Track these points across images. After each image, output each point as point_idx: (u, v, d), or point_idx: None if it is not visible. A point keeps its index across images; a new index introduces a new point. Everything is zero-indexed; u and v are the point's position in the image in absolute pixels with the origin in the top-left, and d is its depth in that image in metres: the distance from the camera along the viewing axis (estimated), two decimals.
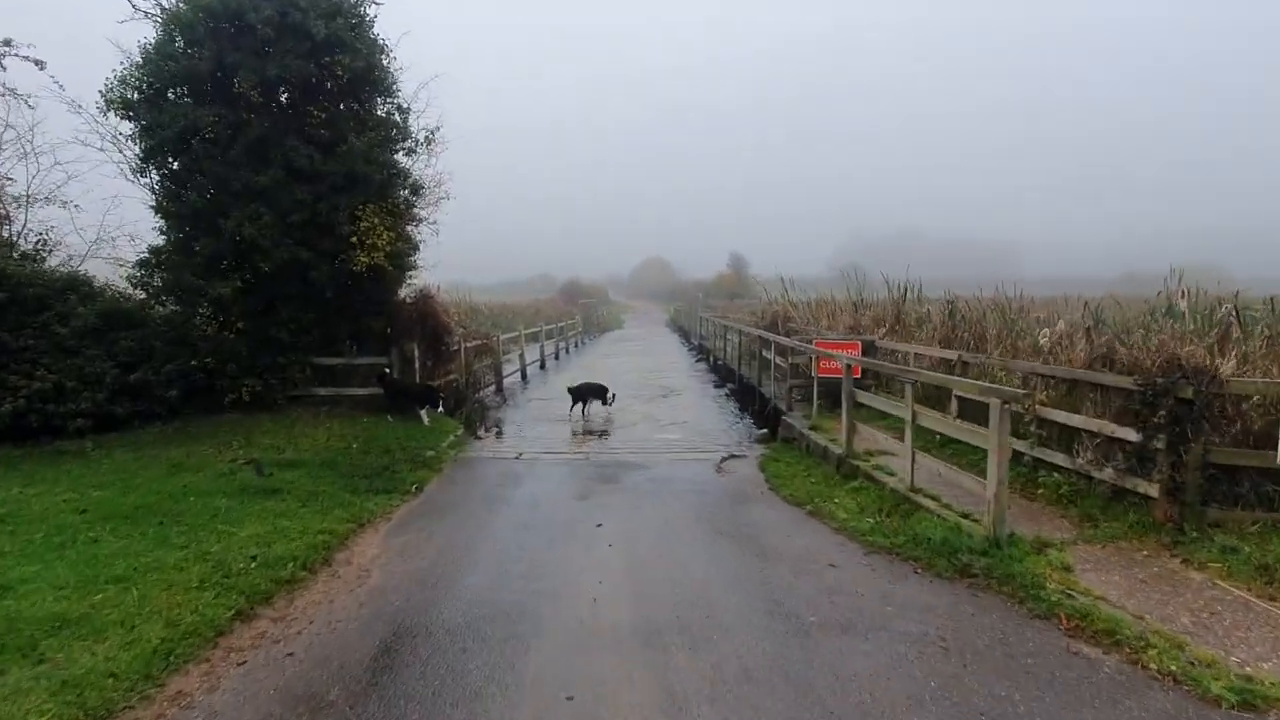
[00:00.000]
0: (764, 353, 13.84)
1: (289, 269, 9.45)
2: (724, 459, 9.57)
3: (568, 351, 28.14)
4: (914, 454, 6.46)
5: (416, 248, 11.30)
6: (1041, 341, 10.82)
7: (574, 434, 11.56)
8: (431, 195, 11.84)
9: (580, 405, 13.15)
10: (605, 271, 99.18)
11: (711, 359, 23.69)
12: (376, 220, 9.71)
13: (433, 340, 11.56)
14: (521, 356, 20.22)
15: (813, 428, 9.22)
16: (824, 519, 6.57)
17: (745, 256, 67.52)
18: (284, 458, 8.31)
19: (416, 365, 11.20)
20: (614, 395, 13.65)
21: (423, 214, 12.00)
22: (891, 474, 7.15)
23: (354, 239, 9.61)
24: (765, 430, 11.17)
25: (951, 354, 8.94)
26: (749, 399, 14.78)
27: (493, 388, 16.69)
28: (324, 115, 9.39)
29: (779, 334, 14.74)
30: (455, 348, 13.29)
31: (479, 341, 14.71)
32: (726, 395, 16.19)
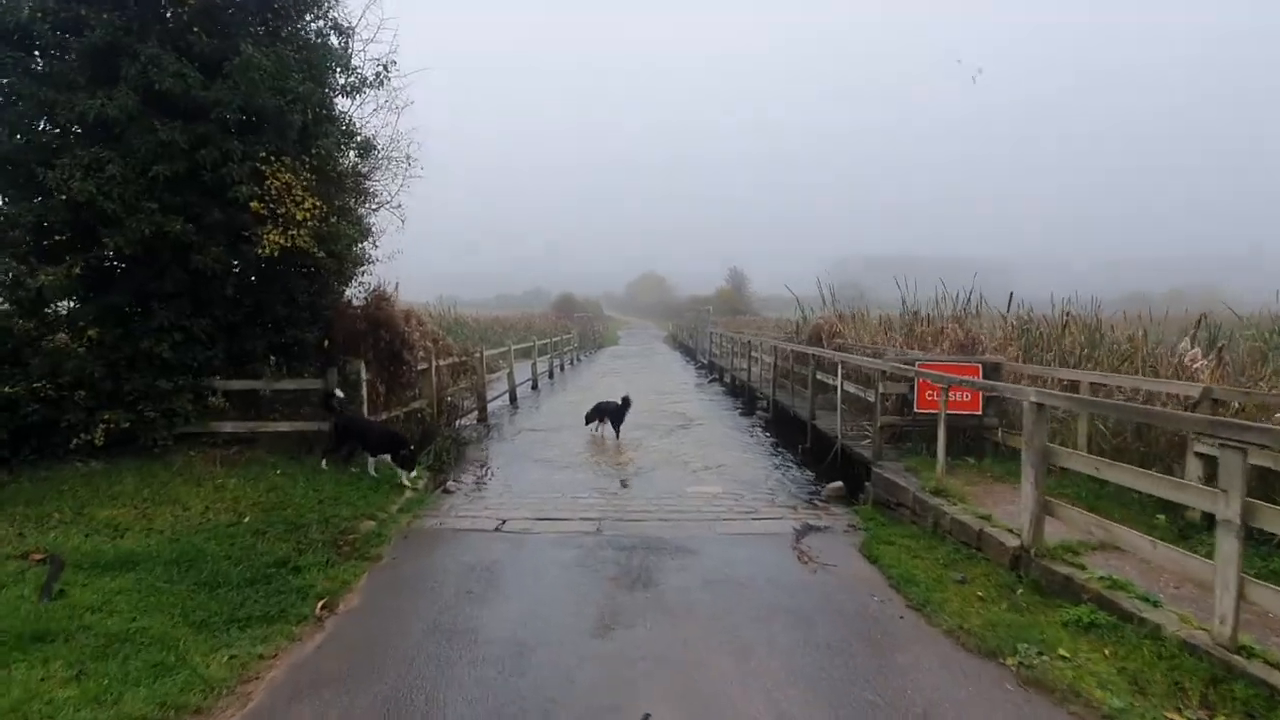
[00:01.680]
0: (819, 376, 10.74)
1: (160, 250, 6.27)
2: (800, 532, 6.45)
3: (563, 369, 24.98)
4: (1241, 582, 3.35)
5: (366, 233, 8.16)
6: (1195, 364, 7.86)
7: (580, 484, 8.38)
8: (393, 165, 8.75)
9: (602, 426, 11.53)
10: (599, 287, 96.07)
11: (728, 379, 20.62)
12: (293, 180, 6.54)
13: (389, 357, 8.39)
14: (511, 375, 17.05)
15: (936, 491, 6.10)
16: (1068, 701, 3.43)
17: (744, 272, 64.80)
18: (119, 547, 5.07)
19: (364, 391, 8.01)
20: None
21: (379, 188, 8.91)
22: (1149, 600, 4.02)
23: (258, 206, 6.43)
24: (839, 484, 8.05)
25: (1186, 387, 5.74)
26: (791, 431, 11.67)
27: (474, 415, 13.49)
28: (198, 7, 6.18)
29: (819, 350, 11.68)
30: (424, 366, 10.11)
31: (455, 359, 11.54)
32: (758, 425, 13.08)
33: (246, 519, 5.77)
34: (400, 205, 10.07)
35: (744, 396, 16.99)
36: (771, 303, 64.73)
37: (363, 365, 8.01)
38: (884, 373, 7.33)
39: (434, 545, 6.08)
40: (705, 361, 25.50)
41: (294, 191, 6.50)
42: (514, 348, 17.92)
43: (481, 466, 9.63)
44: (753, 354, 15.91)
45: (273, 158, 6.48)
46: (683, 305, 67.67)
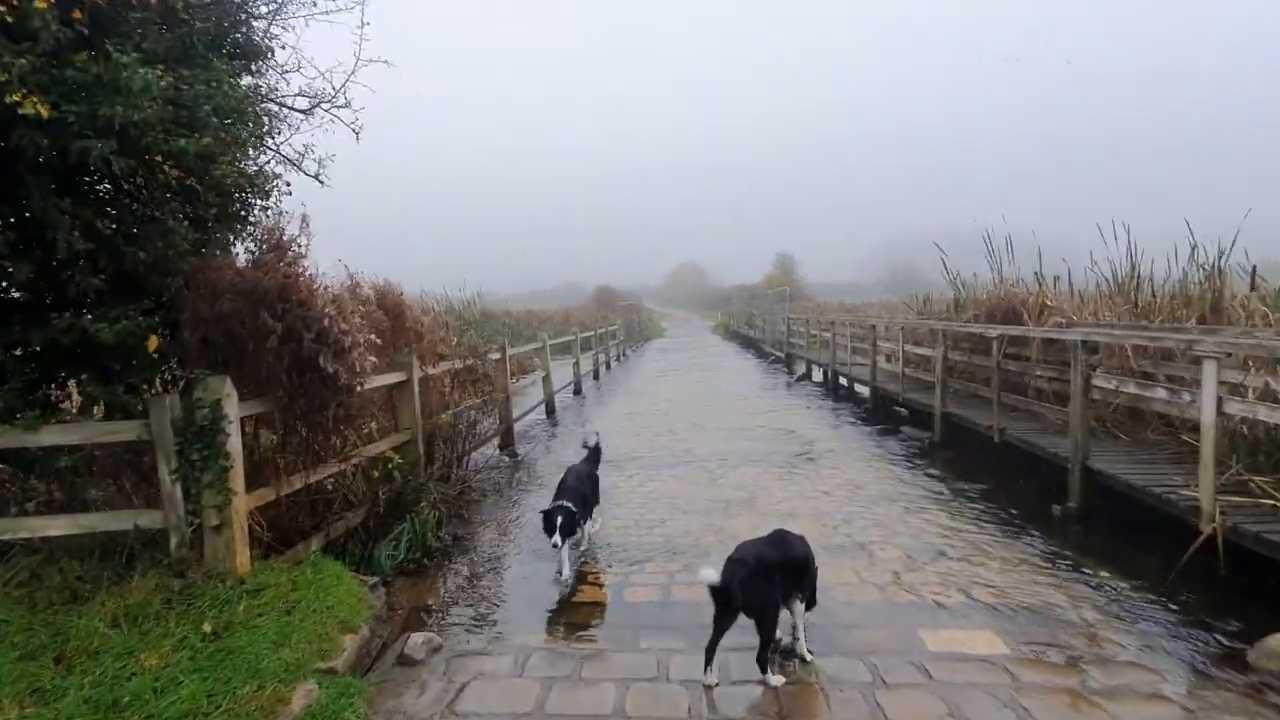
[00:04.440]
0: (1149, 391, 5.97)
1: None
2: None
3: (608, 367, 20.56)
4: None
5: (259, 129, 3.84)
6: None
7: (686, 621, 3.85)
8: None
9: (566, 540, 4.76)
10: (636, 279, 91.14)
11: (819, 377, 15.93)
12: None
13: (296, 368, 3.99)
14: (548, 379, 12.68)
15: None
16: None
17: (793, 256, 59.30)
18: None
19: (233, 440, 3.63)
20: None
21: (301, 62, 4.61)
22: None
23: None
24: None
25: None
26: (994, 468, 7.01)
27: (497, 440, 9.14)
28: None
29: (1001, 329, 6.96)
30: (401, 378, 5.78)
31: (460, 363, 7.11)
32: (918, 453, 8.36)
33: None
34: (349, 103, 5.82)
35: (861, 403, 12.28)
36: (823, 289, 59.34)
37: (226, 387, 3.62)
38: None
39: None
40: (782, 355, 20.74)
41: None
42: (551, 343, 13.54)
43: (492, 563, 5.20)
44: (879, 343, 11.16)
45: None
46: (728, 294, 62.89)
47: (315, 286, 4.01)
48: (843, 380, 13.94)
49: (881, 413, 11.13)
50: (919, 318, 11.84)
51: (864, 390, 12.92)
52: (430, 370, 6.53)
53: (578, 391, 15.10)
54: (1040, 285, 8.64)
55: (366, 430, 5.26)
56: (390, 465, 5.21)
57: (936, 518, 5.85)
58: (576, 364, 15.67)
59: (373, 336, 4.26)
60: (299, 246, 3.99)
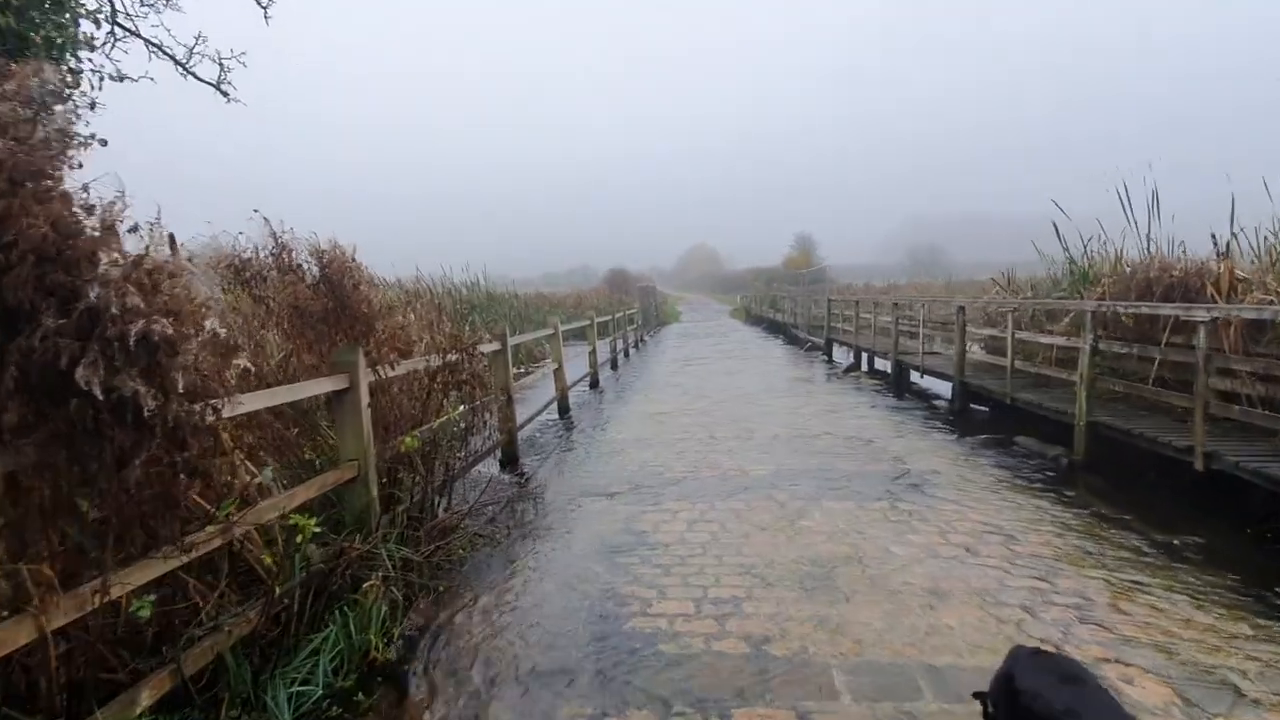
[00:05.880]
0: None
1: None
2: None
3: (626, 356, 18.41)
4: None
5: None
6: None
7: None
8: None
9: None
10: (648, 262, 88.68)
11: (865, 365, 13.74)
12: None
13: (47, 384, 1.91)
14: (560, 372, 10.57)
15: None
16: None
17: (812, 238, 56.49)
18: None
19: None
20: None
21: None
22: None
23: None
24: None
25: None
26: (1168, 499, 4.82)
27: (497, 455, 7.07)
28: None
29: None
30: (340, 385, 3.68)
31: (437, 359, 5.00)
32: (1055, 475, 6.16)
33: None
34: None
35: (931, 399, 10.08)
36: (843, 272, 56.70)
37: None
38: None
39: None
40: (820, 340, 18.47)
41: None
42: (563, 329, 11.41)
43: (471, 700, 3.11)
44: (969, 328, 8.93)
45: None
46: (743, 277, 60.60)
47: (83, 223, 1.88)
48: (907, 368, 11.72)
49: (970, 415, 8.96)
50: (1008, 296, 9.56)
51: (933, 384, 10.76)
52: (389, 372, 4.42)
53: (594, 385, 13.00)
54: (1219, 255, 6.35)
55: (259, 479, 3.15)
56: (301, 538, 3.12)
57: (1171, 604, 3.69)
58: (593, 353, 13.54)
59: (211, 323, 2.12)
60: (42, 140, 1.87)
